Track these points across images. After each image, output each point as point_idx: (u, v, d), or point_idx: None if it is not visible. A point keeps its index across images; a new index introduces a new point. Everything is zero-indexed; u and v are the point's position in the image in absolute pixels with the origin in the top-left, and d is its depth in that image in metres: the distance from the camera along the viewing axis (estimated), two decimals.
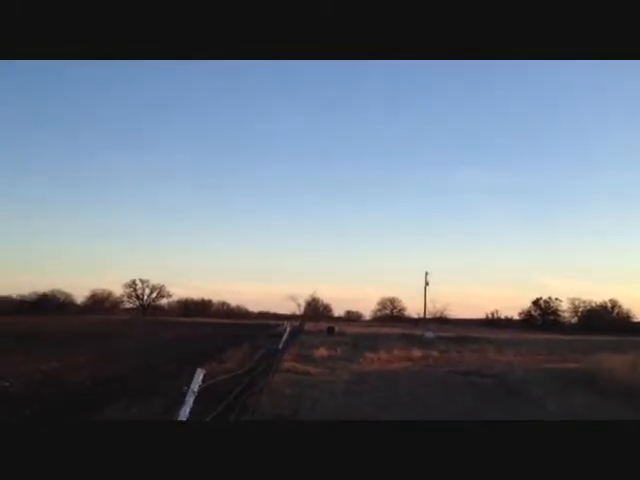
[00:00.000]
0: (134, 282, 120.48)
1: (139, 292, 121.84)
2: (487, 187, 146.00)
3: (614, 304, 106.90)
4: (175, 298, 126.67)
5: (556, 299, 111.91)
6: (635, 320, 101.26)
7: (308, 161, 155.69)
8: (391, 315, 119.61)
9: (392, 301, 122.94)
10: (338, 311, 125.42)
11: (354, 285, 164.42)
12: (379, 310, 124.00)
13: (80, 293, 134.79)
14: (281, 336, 27.44)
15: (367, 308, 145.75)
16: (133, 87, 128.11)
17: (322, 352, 25.93)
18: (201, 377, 5.83)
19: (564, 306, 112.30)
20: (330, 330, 50.54)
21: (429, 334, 46.37)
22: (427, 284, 66.35)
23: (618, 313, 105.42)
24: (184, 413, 5.12)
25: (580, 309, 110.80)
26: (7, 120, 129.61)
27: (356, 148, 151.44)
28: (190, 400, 5.24)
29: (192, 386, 5.44)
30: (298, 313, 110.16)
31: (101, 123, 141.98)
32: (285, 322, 51.41)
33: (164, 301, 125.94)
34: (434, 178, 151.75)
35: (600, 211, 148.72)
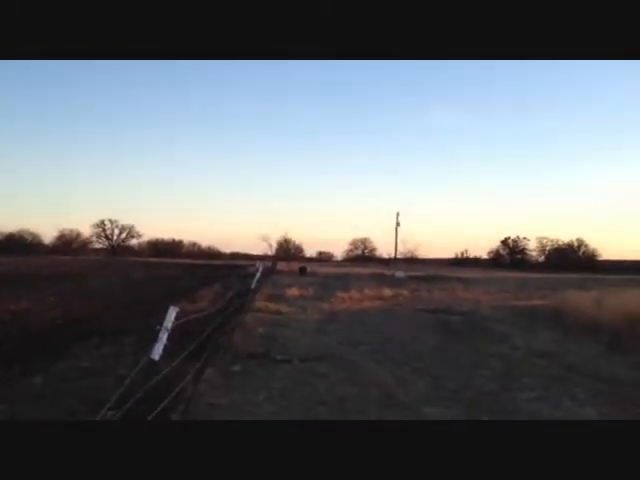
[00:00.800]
0: (103, 222, 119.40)
1: (108, 232, 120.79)
2: (459, 128, 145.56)
3: (580, 243, 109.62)
4: (145, 239, 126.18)
5: (524, 238, 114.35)
6: (600, 259, 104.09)
7: (277, 104, 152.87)
8: (362, 255, 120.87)
9: (363, 242, 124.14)
10: (310, 252, 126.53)
11: (326, 226, 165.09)
12: (351, 251, 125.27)
13: (48, 233, 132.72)
14: (253, 276, 27.45)
15: (339, 249, 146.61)
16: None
17: (294, 292, 26.19)
18: (174, 315, 5.76)
19: (532, 245, 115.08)
20: (302, 270, 50.91)
21: (400, 274, 47.03)
22: (398, 225, 66.95)
23: (584, 252, 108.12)
24: (157, 350, 5.07)
25: (547, 248, 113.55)
26: None
27: (326, 91, 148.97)
28: (164, 337, 5.19)
29: (165, 323, 5.37)
30: (270, 254, 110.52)
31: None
32: (258, 262, 51.42)
33: (134, 242, 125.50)
34: (406, 119, 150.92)
35: (572, 154, 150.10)
